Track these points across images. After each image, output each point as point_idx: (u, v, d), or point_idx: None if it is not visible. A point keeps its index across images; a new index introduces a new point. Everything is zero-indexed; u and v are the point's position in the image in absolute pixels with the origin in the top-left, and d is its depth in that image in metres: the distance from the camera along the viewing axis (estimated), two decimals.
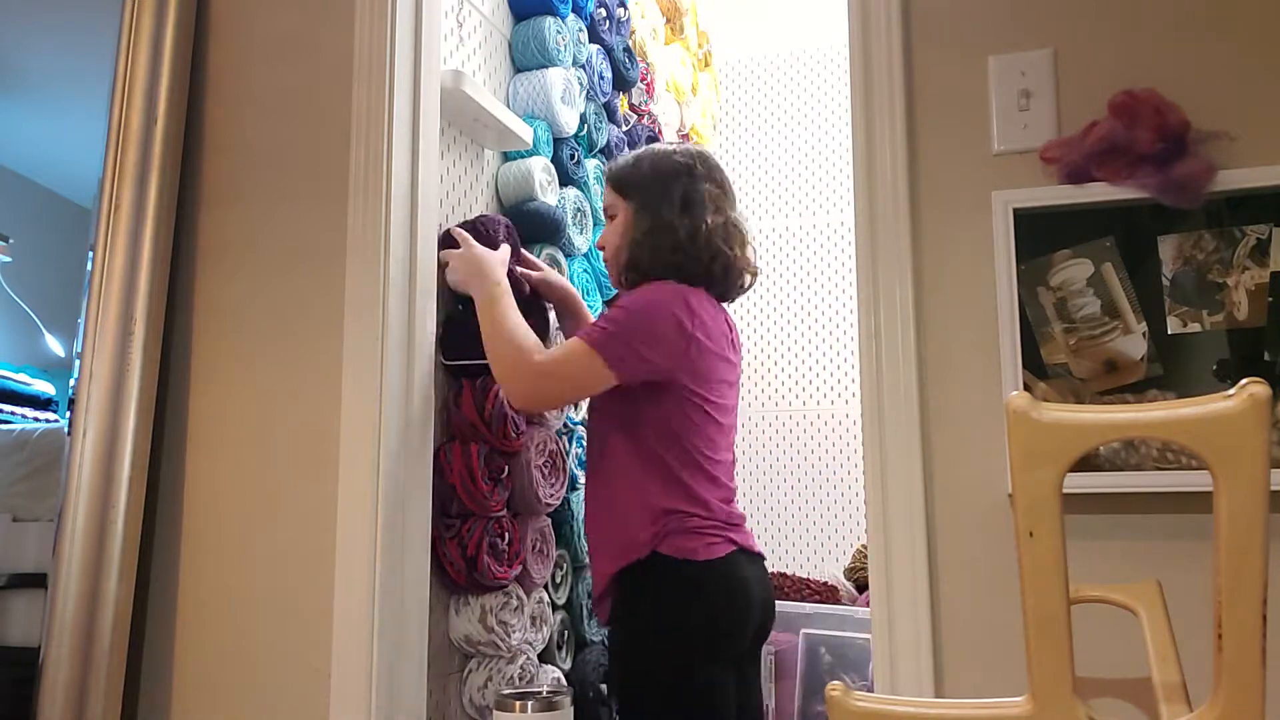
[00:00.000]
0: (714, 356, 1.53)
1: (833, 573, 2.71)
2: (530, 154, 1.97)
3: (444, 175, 1.73)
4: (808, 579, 2.62)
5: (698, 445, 1.51)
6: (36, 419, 2.07)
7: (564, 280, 1.83)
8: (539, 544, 1.81)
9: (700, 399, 1.51)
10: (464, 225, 1.68)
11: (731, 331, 1.62)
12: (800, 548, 3.14)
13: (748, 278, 1.63)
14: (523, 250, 1.76)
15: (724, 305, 1.62)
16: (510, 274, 1.62)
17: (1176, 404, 0.65)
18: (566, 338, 1.80)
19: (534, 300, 1.73)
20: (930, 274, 1.29)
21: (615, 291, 2.27)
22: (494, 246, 1.64)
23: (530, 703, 1.35)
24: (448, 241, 1.64)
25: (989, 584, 1.21)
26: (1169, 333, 1.19)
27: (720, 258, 1.56)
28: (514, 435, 1.69)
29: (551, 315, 1.83)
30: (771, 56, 3.40)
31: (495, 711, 1.35)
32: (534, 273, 1.75)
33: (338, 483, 1.43)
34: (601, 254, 1.72)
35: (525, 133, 1.90)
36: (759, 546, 1.59)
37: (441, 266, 1.63)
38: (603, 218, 2.25)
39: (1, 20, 2.21)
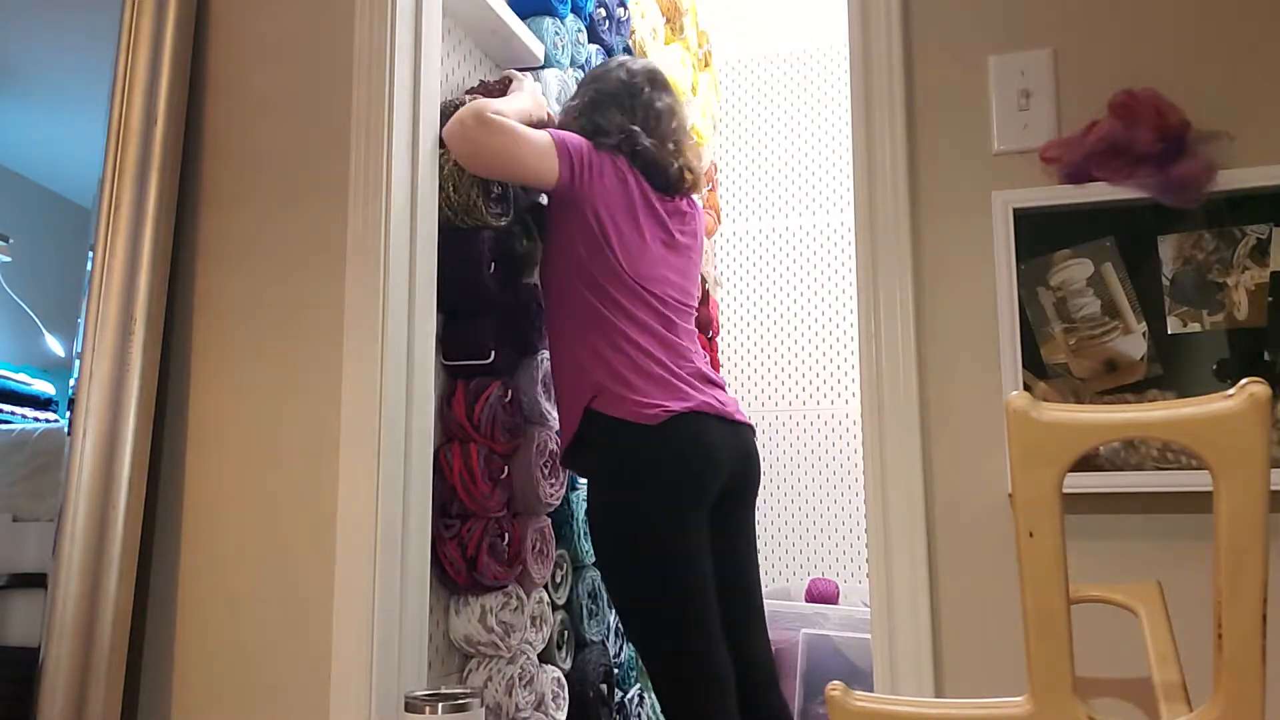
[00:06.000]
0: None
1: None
2: None
3: None
4: None
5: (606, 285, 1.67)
6: (36, 419, 2.07)
7: None
8: (539, 544, 1.81)
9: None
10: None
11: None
12: (800, 548, 3.14)
13: None
14: None
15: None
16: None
17: (1176, 404, 0.65)
18: None
19: None
20: (930, 274, 1.29)
21: None
22: None
23: (441, 705, 1.31)
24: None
25: (989, 584, 1.21)
26: (1169, 333, 1.19)
27: None
28: (504, 439, 1.69)
29: None
30: (771, 56, 3.40)
31: (405, 714, 1.31)
32: None
33: (338, 483, 1.43)
34: None
35: (537, 47, 1.97)
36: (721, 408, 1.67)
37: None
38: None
39: (1, 20, 2.21)
